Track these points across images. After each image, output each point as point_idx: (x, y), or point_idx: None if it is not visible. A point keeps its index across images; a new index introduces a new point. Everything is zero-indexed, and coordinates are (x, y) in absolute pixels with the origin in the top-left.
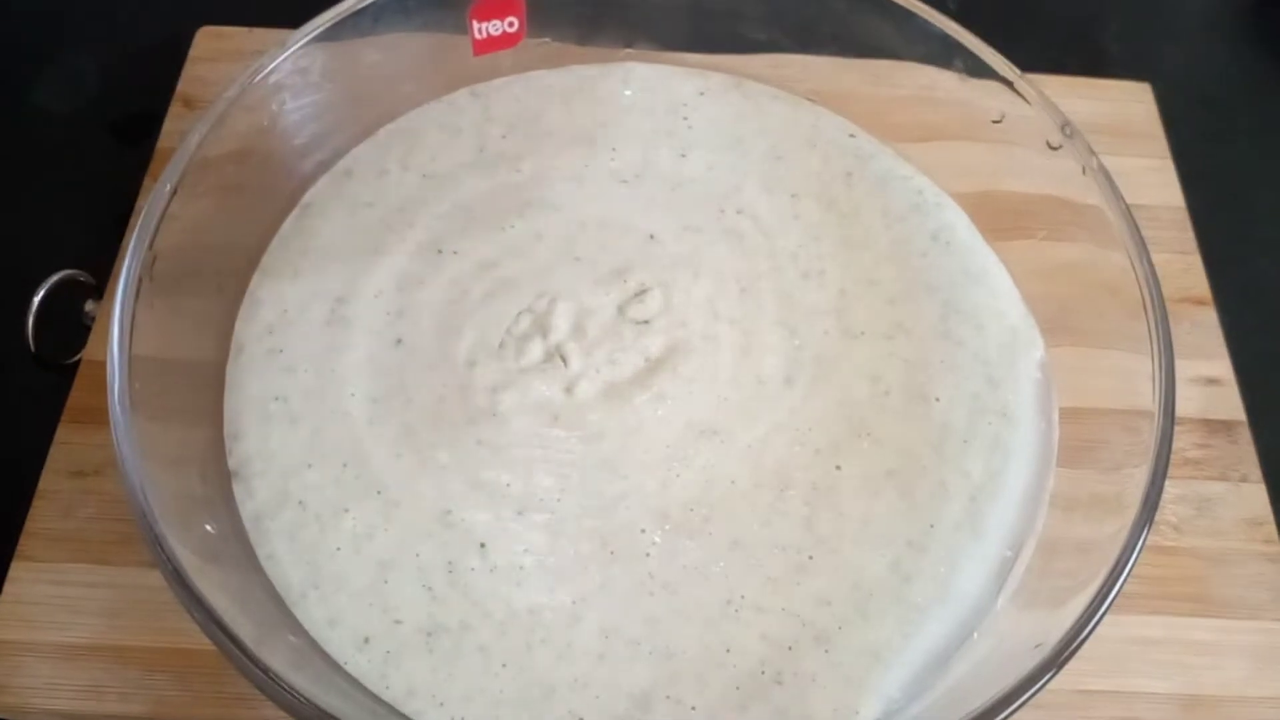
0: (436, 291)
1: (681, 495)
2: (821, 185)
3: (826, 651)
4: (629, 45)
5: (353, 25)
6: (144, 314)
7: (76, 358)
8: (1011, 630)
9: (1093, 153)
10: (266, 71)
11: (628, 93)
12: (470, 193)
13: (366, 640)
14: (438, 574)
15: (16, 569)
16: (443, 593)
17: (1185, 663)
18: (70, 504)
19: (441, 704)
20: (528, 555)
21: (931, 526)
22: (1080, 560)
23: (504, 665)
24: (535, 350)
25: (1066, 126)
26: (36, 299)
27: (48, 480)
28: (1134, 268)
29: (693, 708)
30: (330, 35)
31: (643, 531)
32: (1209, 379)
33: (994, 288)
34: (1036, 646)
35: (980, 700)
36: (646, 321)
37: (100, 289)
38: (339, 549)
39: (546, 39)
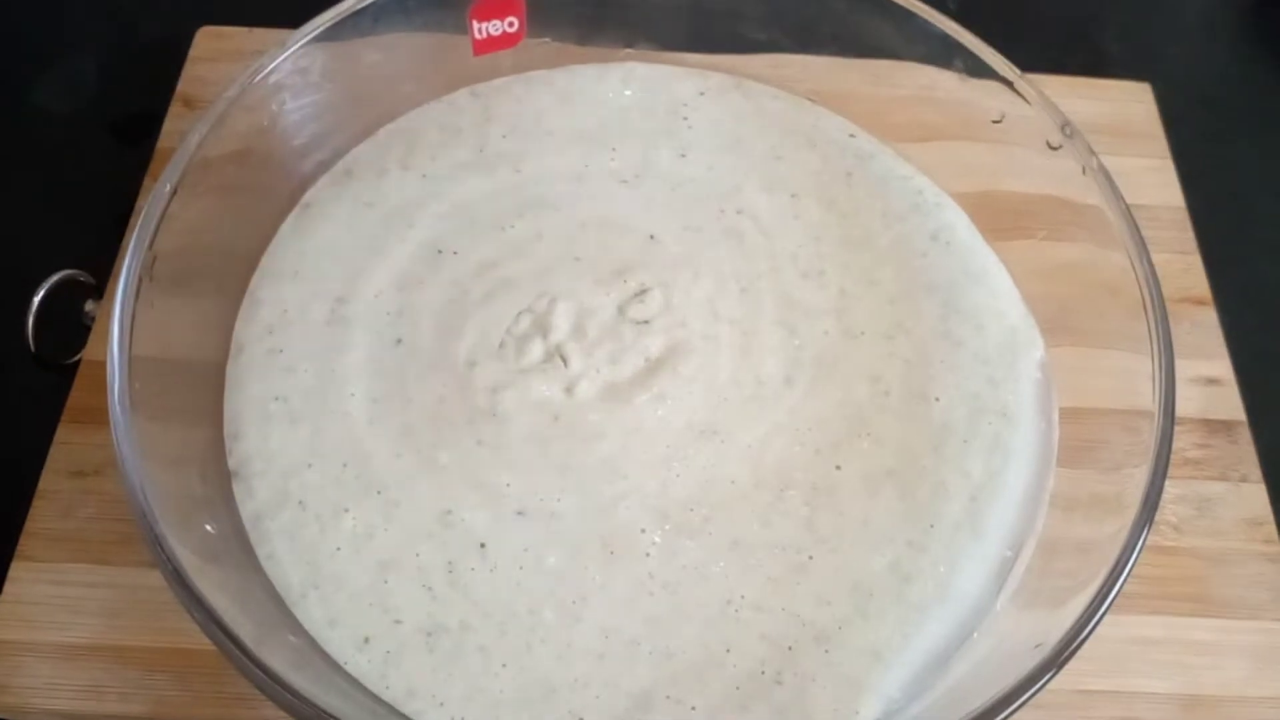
0: (436, 291)
1: (681, 495)
2: (821, 185)
3: (826, 651)
4: (629, 45)
5: (353, 25)
6: (144, 314)
7: (76, 358)
8: (1011, 630)
9: (1093, 153)
10: (266, 71)
11: (628, 93)
12: (470, 193)
13: (366, 640)
14: (438, 574)
15: (16, 569)
16: (443, 593)
17: (1185, 663)
18: (70, 504)
19: (441, 704)
20: (528, 555)
21: (931, 526)
22: (1080, 560)
23: (504, 665)
24: (535, 350)
25: (1066, 126)
26: (36, 299)
27: (48, 480)
28: (1134, 268)
29: (693, 708)
30: (330, 35)
31: (643, 531)
32: (1209, 379)
33: (994, 288)
34: (1036, 646)
35: (980, 700)
36: (646, 321)
37: (100, 289)
38: (339, 549)
39: (546, 39)
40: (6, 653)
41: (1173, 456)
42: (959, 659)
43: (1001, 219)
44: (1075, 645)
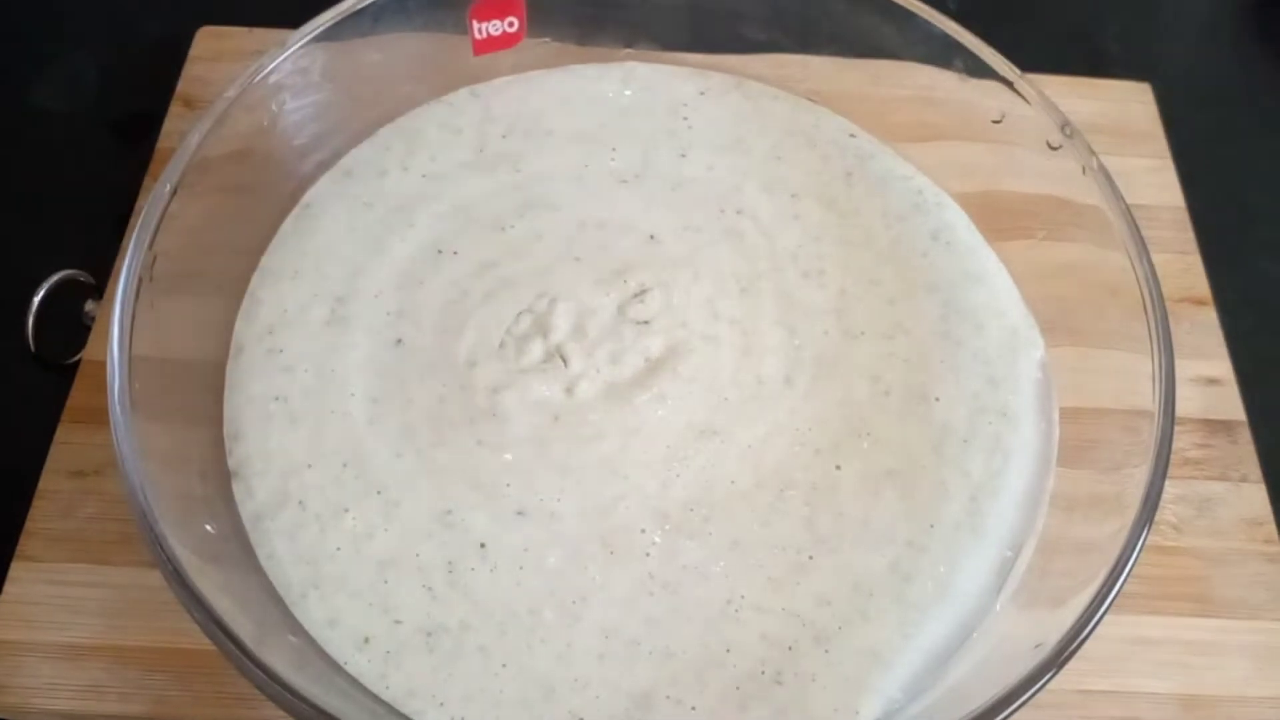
0: (436, 291)
1: (681, 495)
2: (821, 185)
3: (826, 651)
4: (629, 45)
5: (353, 25)
6: (144, 314)
7: (76, 358)
8: (1011, 630)
9: (1093, 153)
10: (266, 71)
11: (628, 93)
12: (470, 193)
13: (366, 640)
14: (438, 574)
15: (16, 569)
16: (443, 593)
17: (1185, 663)
18: (70, 504)
19: (441, 704)
20: (528, 555)
21: (931, 526)
22: (1080, 560)
23: (504, 665)
24: (535, 350)
25: (1066, 126)
26: (36, 299)
27: (48, 480)
28: (1134, 268)
29: (693, 708)
30: (330, 35)
31: (643, 531)
32: (1209, 379)
33: (994, 288)
34: (1036, 646)
35: (980, 700)
36: (647, 322)
37: (100, 289)
38: (339, 549)
39: (546, 39)
40: (6, 653)
41: (1173, 456)
42: (959, 659)
43: (1001, 219)
44: (1075, 645)
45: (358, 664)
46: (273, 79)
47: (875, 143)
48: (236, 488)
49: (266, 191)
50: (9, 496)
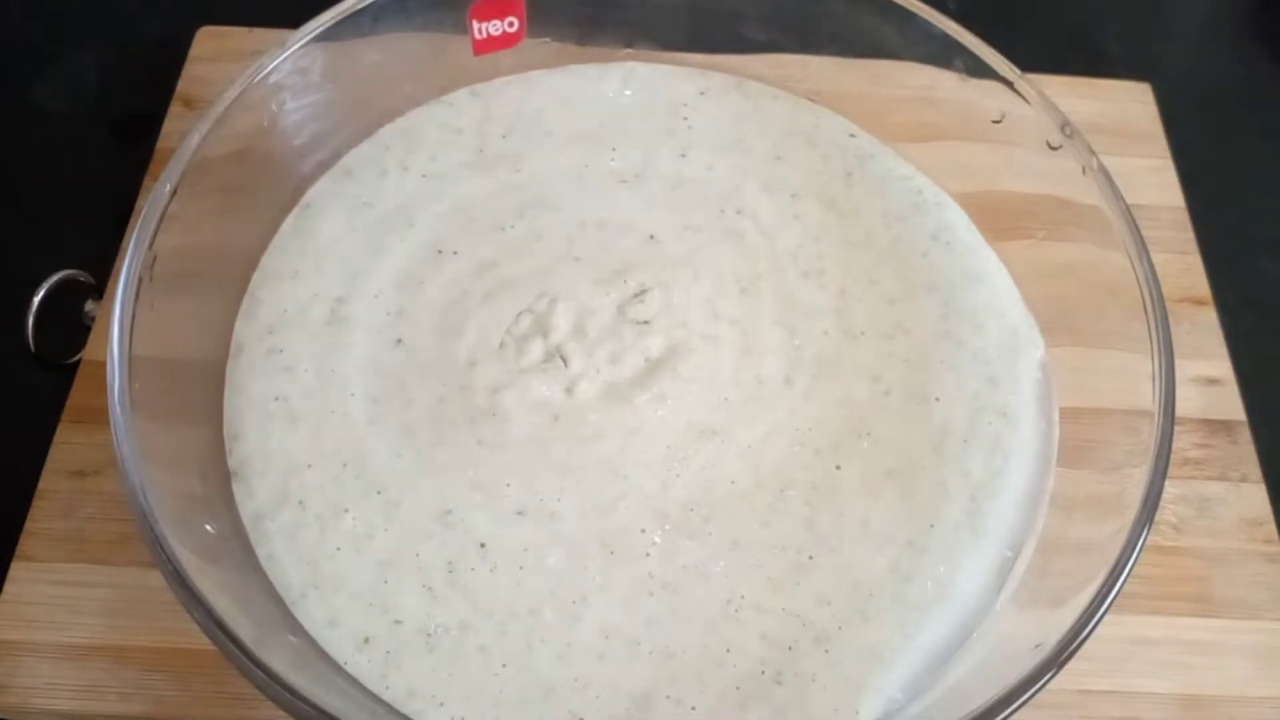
0: (436, 291)
1: (681, 495)
2: (821, 185)
3: (826, 651)
4: (629, 45)
5: (353, 25)
6: (144, 314)
7: (76, 358)
8: (1011, 630)
9: (1093, 153)
10: (266, 71)
11: (628, 93)
12: (470, 193)
13: (366, 640)
14: (438, 574)
15: (16, 569)
16: (443, 593)
17: (1185, 663)
18: (70, 504)
19: (441, 704)
20: (528, 555)
21: (931, 526)
22: (1080, 560)
23: (504, 665)
24: (535, 350)
25: (1066, 126)
26: (36, 299)
27: (48, 480)
28: (1134, 268)
29: (693, 708)
30: (330, 35)
31: (643, 531)
32: (1209, 379)
33: (994, 288)
34: (1036, 646)
35: (980, 700)
36: (647, 322)
37: (100, 289)
38: (339, 549)
39: (546, 39)
40: (6, 653)
41: (1173, 456)
42: (959, 659)
43: (1001, 219)
44: (1075, 645)
45: (358, 664)
46: (273, 79)
47: (875, 143)
48: (236, 488)
49: (266, 191)
50: (9, 496)
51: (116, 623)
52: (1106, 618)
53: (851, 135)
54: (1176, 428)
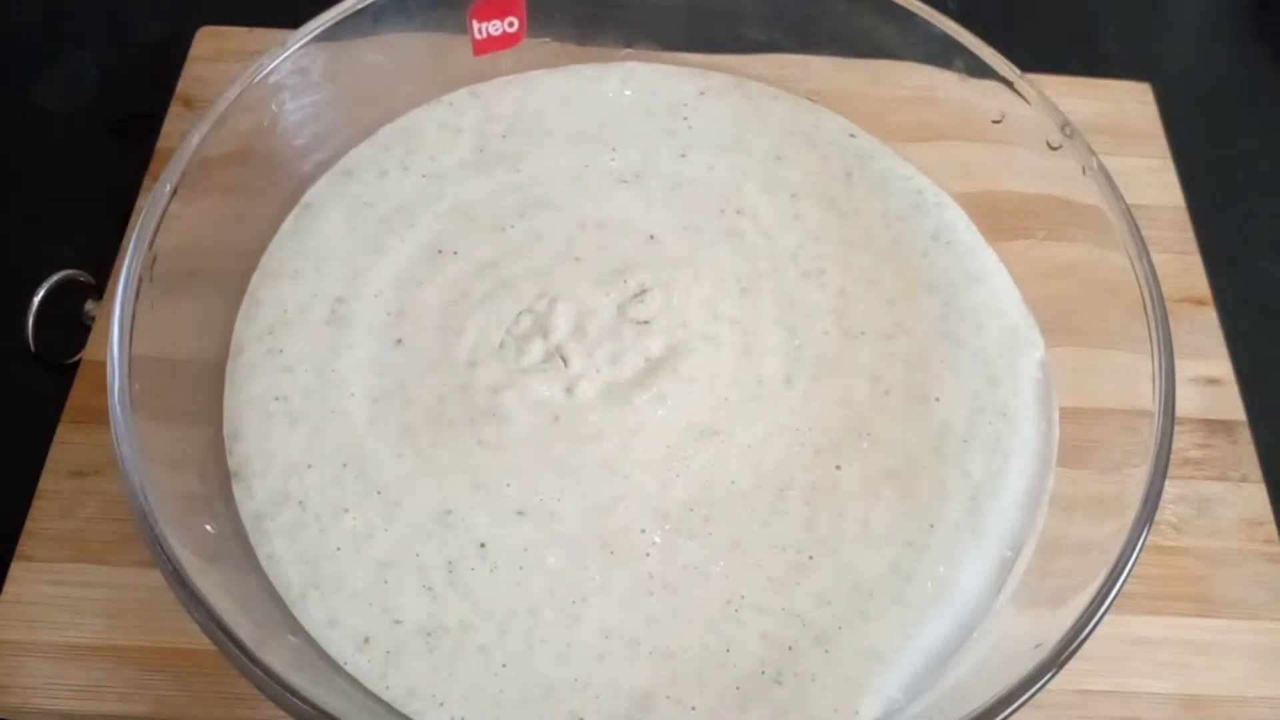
0: (436, 291)
1: (681, 495)
2: (821, 185)
3: (826, 651)
4: (629, 45)
5: (353, 25)
6: (144, 314)
7: (76, 358)
8: (1011, 630)
9: (1093, 153)
10: (266, 71)
11: (628, 93)
12: (470, 193)
13: (366, 640)
14: (438, 574)
15: (16, 569)
16: (443, 593)
17: (1185, 663)
18: (70, 504)
19: (441, 704)
20: (528, 555)
21: (931, 526)
22: (1080, 560)
23: (504, 665)
24: (535, 350)
25: (1066, 126)
26: (36, 299)
27: (48, 480)
28: (1134, 268)
29: (693, 708)
30: (330, 35)
31: (643, 531)
32: (1209, 379)
33: (994, 288)
34: (1036, 646)
35: (980, 700)
36: (647, 322)
37: (100, 289)
38: (339, 549)
39: (546, 39)
40: (6, 653)
41: (1173, 456)
42: (959, 659)
43: (1001, 219)
44: (1075, 645)
45: (358, 664)
46: (273, 79)
47: (875, 143)
48: (236, 488)
49: (266, 191)
50: (9, 496)
51: (116, 623)
52: (1106, 618)
53: (851, 135)
54: (1176, 428)
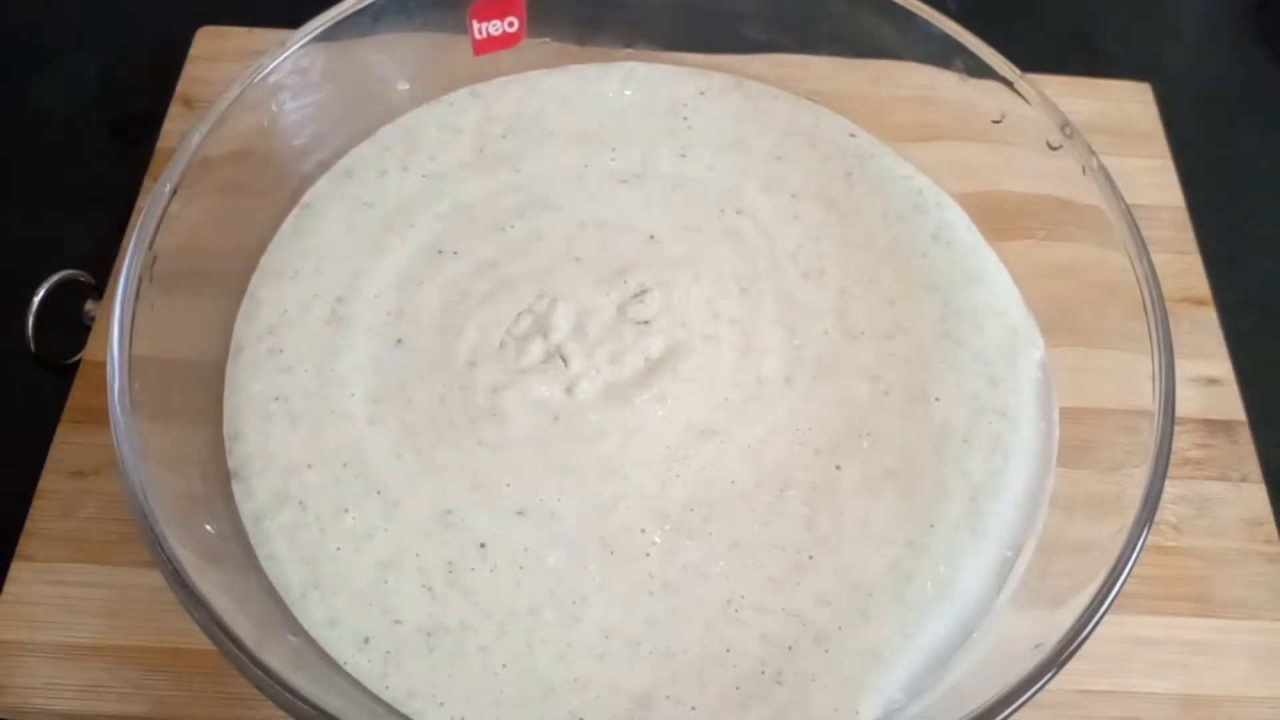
0: (436, 291)
1: (681, 495)
2: (821, 185)
3: (826, 651)
4: (629, 45)
5: (353, 25)
6: (144, 314)
7: (76, 358)
8: (1011, 630)
9: (1093, 153)
10: (266, 71)
11: (628, 93)
12: (470, 193)
13: (366, 640)
14: (438, 574)
15: (16, 569)
16: (443, 593)
17: (1185, 663)
18: (70, 504)
19: (441, 704)
20: (528, 555)
21: (931, 526)
22: (1080, 560)
23: (504, 665)
24: (536, 350)
25: (1066, 126)
26: (36, 299)
27: (48, 480)
28: (1134, 268)
29: (693, 708)
30: (330, 35)
31: (643, 532)
32: (1209, 379)
33: (994, 288)
34: (1036, 646)
35: (980, 700)
36: (647, 322)
37: (100, 289)
38: (339, 549)
39: (546, 39)
40: (6, 653)
41: (1173, 456)
42: (959, 659)
43: (1001, 219)
44: (1075, 645)
45: (357, 664)
46: (273, 79)
47: (875, 143)
48: (236, 488)
49: (266, 191)
50: (9, 496)
51: (116, 623)
52: (1106, 618)
53: (851, 135)
54: (1176, 428)
